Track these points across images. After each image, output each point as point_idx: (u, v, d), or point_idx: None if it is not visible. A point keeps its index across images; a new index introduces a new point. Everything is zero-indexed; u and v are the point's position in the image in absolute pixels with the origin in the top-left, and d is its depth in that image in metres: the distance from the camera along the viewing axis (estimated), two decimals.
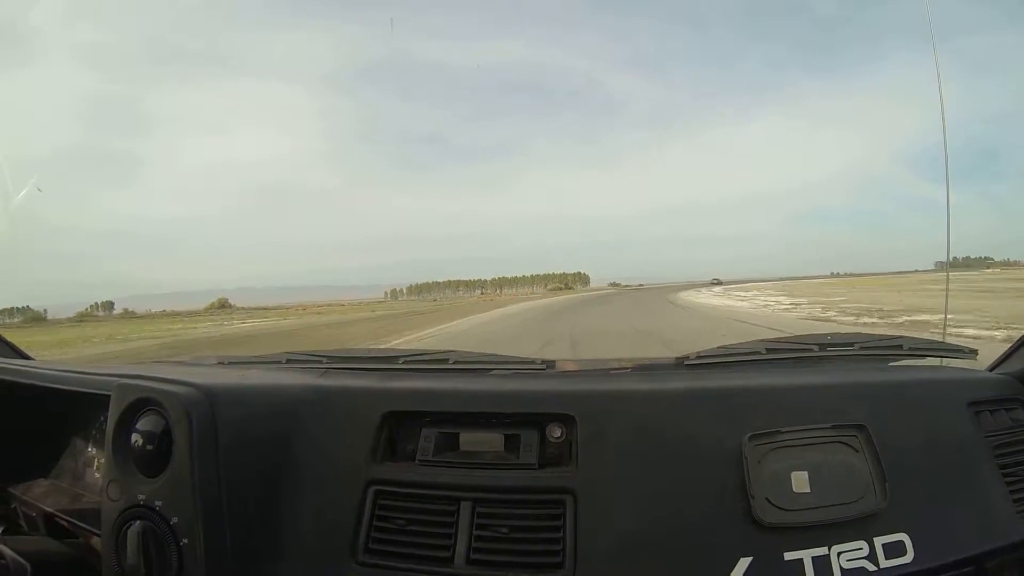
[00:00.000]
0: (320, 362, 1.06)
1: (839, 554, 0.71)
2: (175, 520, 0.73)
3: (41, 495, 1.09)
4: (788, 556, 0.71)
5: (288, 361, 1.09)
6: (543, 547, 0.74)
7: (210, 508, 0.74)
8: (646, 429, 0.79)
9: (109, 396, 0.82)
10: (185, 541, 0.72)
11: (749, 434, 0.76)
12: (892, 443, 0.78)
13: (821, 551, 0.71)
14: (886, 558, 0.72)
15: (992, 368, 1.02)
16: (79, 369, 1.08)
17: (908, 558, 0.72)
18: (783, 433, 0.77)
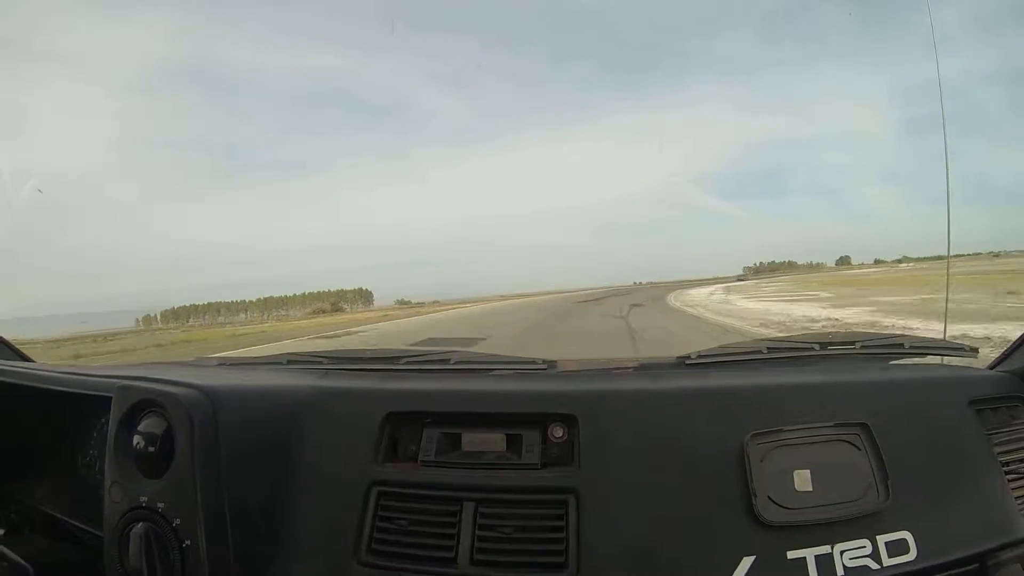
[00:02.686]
0: (321, 363, 1.06)
1: (842, 552, 0.71)
2: (178, 522, 0.73)
3: (43, 497, 1.08)
4: (791, 555, 0.71)
5: (289, 362, 1.09)
6: (546, 547, 0.74)
7: (212, 509, 0.74)
8: (648, 429, 0.79)
9: (111, 398, 0.82)
10: (188, 542, 0.72)
11: (751, 433, 0.76)
12: (894, 441, 0.78)
13: (824, 549, 0.71)
14: (889, 556, 0.72)
15: (993, 366, 1.02)
16: (80, 371, 1.08)
17: (911, 556, 0.72)
18: (785, 432, 0.77)
